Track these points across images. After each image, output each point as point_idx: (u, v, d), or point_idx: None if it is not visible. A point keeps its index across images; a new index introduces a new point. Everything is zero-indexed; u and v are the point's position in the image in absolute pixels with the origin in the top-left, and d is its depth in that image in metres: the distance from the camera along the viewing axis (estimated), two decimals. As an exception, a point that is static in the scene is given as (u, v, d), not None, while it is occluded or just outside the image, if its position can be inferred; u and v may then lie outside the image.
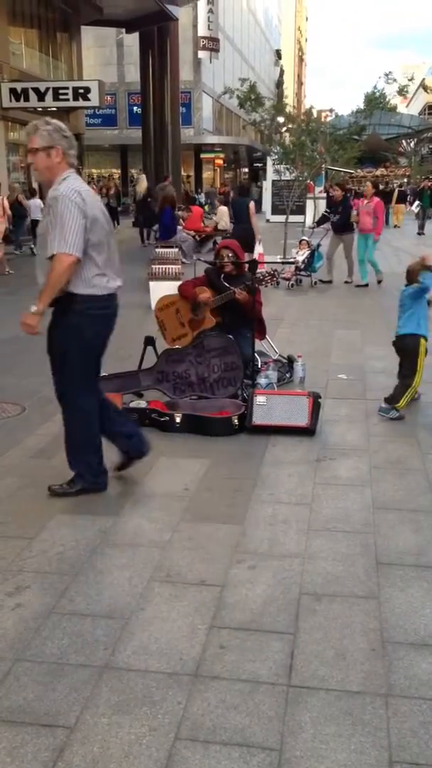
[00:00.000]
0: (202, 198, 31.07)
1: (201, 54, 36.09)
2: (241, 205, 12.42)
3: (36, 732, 2.25)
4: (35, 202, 17.26)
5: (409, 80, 22.55)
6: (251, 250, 11.45)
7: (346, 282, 12.39)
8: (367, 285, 11.90)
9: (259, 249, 12.46)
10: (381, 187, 30.59)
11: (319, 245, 12.47)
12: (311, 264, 12.31)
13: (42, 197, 16.46)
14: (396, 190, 28.88)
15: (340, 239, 12.51)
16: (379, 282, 12.04)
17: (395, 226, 27.75)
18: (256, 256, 12.82)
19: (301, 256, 12.36)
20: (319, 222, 13.36)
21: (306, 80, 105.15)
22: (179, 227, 13.58)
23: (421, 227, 23.09)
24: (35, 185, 18.60)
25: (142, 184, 18.06)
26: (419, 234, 22.59)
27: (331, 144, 18.84)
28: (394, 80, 19.07)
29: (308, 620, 2.81)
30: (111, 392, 5.34)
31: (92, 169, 35.02)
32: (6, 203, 14.73)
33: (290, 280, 12.04)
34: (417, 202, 24.26)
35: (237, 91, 16.63)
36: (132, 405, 5.22)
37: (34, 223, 15.81)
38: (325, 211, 13.45)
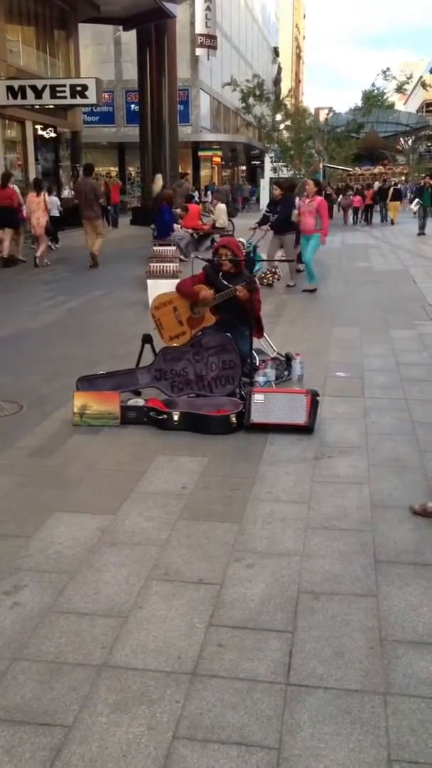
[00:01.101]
0: (207, 196, 30.92)
1: (199, 51, 36.01)
2: (288, 202, 13.17)
3: (34, 731, 2.25)
4: (53, 200, 17.32)
5: (408, 78, 22.59)
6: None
7: (288, 286, 11.46)
8: (315, 290, 11.03)
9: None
10: (379, 184, 30.62)
11: (255, 246, 11.26)
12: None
13: (59, 195, 16.58)
14: (391, 188, 28.79)
15: (280, 240, 11.80)
16: (312, 291, 11.05)
17: (392, 223, 27.76)
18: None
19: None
20: (260, 222, 12.24)
21: (304, 78, 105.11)
22: (176, 225, 13.57)
23: (422, 227, 22.14)
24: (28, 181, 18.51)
25: (158, 183, 18.16)
26: (420, 234, 21.72)
27: (329, 142, 18.87)
28: (393, 77, 19.10)
29: (306, 618, 2.81)
30: (108, 390, 5.35)
31: (90, 167, 34.95)
32: (47, 199, 15.07)
33: None
34: (417, 200, 23.53)
35: (243, 84, 16.65)
36: (130, 403, 5.22)
37: (53, 219, 15.99)
38: (266, 211, 12.60)
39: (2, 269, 14.20)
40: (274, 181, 15.35)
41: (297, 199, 13.09)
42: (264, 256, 11.31)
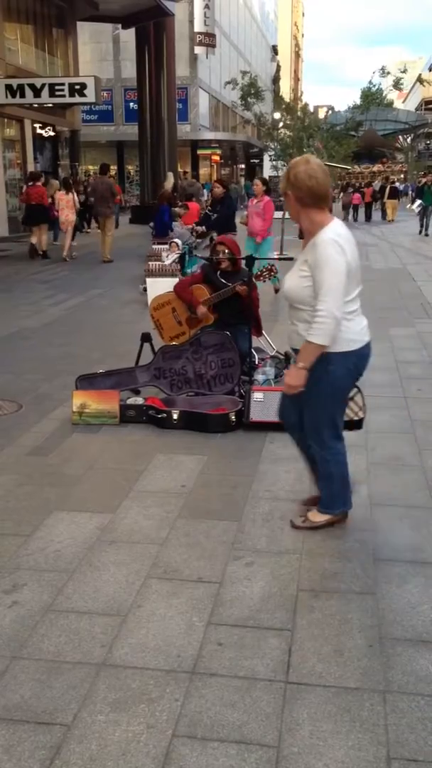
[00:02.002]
0: (203, 195, 30.90)
1: (197, 50, 35.98)
2: None
3: (33, 729, 2.25)
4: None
5: (402, 72, 22.52)
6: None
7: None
8: (276, 291, 10.18)
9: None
10: (380, 183, 30.63)
11: (191, 248, 10.90)
12: (182, 268, 10.43)
13: (78, 192, 16.73)
14: (388, 186, 28.76)
15: None
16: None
17: (390, 221, 27.74)
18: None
19: (169, 259, 10.57)
20: (202, 222, 11.68)
21: (302, 76, 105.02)
22: (175, 223, 13.53)
23: (426, 227, 21.22)
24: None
25: (170, 181, 18.30)
26: (425, 235, 20.86)
27: (328, 140, 18.85)
28: (389, 73, 19.08)
29: (306, 617, 2.81)
30: (108, 389, 5.35)
31: (89, 166, 34.91)
32: (76, 198, 15.83)
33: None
34: (418, 201, 23.16)
35: (239, 83, 16.64)
36: (129, 402, 5.22)
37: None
38: (207, 210, 12.03)
39: (2, 267, 14.25)
40: (216, 179, 14.83)
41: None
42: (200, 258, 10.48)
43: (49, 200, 15.71)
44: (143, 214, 22.00)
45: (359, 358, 3.42)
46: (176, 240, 11.27)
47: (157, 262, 9.96)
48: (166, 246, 10.90)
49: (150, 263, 10.01)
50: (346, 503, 3.52)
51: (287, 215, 14.87)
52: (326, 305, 3.05)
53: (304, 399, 3.29)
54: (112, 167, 37.46)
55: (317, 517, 3.52)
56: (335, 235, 3.11)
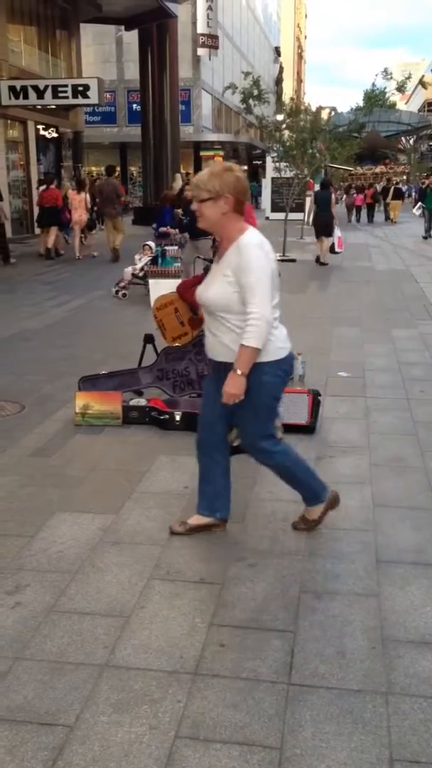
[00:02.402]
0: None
1: (200, 51, 36.02)
2: (324, 197, 14.82)
3: (36, 730, 2.25)
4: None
5: (407, 78, 22.52)
6: (331, 233, 14.28)
7: None
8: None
9: (338, 233, 14.52)
10: (384, 184, 30.62)
11: (164, 250, 10.86)
12: None
13: (91, 192, 16.85)
14: (392, 187, 28.77)
15: (195, 246, 10.42)
16: None
17: (393, 222, 27.74)
18: (336, 240, 14.40)
19: (141, 262, 10.76)
20: (177, 226, 11.49)
21: (305, 77, 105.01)
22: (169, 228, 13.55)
23: (427, 230, 20.81)
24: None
25: (178, 182, 18.41)
26: (427, 238, 20.62)
27: (330, 141, 18.84)
28: (391, 76, 19.08)
29: (308, 618, 2.81)
30: (110, 390, 5.36)
31: (92, 167, 34.96)
32: (88, 198, 16.19)
33: (120, 289, 10.54)
34: (419, 204, 23.01)
35: (241, 86, 16.61)
36: (132, 403, 5.22)
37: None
38: (180, 214, 11.77)
39: (3, 267, 14.27)
40: (185, 181, 14.82)
41: (334, 195, 13.62)
42: (179, 263, 10.64)
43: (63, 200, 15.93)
44: (146, 215, 22.01)
45: (288, 365, 3.36)
46: (149, 243, 11.26)
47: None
48: (175, 247, 10.91)
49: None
50: (325, 486, 3.51)
51: (289, 216, 14.91)
52: (258, 308, 3.01)
53: (238, 415, 3.26)
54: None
55: (313, 513, 3.51)
56: (258, 239, 3.10)
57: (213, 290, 3.15)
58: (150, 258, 10.81)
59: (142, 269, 10.71)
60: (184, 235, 11.13)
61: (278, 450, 3.37)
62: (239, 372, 3.07)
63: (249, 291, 3.02)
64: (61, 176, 22.52)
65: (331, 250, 14.63)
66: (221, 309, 3.13)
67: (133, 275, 10.73)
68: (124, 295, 10.55)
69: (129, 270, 10.77)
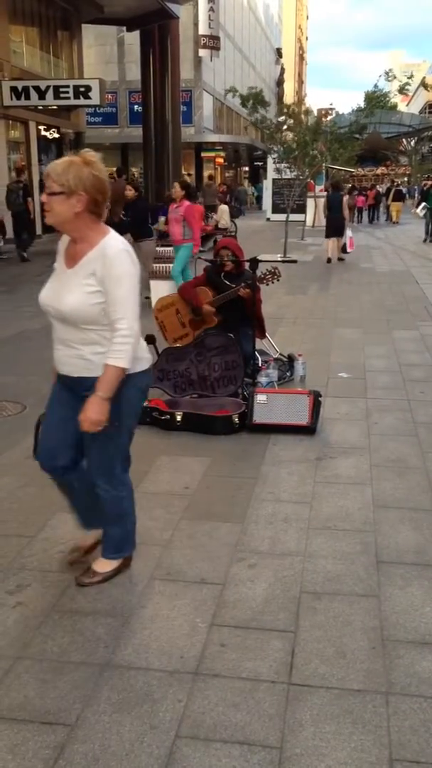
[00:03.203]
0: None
1: (202, 52, 36.01)
2: (336, 198, 15.39)
3: (37, 729, 2.26)
4: None
5: (409, 78, 22.53)
6: (342, 234, 14.93)
7: (146, 298, 10.16)
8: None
9: (349, 234, 15.09)
10: (387, 185, 30.65)
11: None
12: None
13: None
14: (393, 189, 28.78)
15: (138, 247, 9.72)
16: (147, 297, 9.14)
17: (395, 223, 27.74)
18: (347, 241, 14.97)
19: None
20: (119, 229, 11.20)
21: (306, 79, 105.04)
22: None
23: (429, 233, 20.40)
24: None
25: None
26: (429, 242, 20.15)
27: (332, 143, 18.84)
28: (394, 77, 19.09)
29: (309, 618, 2.81)
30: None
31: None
32: None
33: None
34: (423, 204, 22.90)
35: (241, 92, 16.66)
36: (133, 403, 5.22)
37: None
38: (122, 215, 11.44)
39: (7, 268, 14.28)
40: (127, 182, 13.93)
41: (346, 197, 14.05)
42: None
43: None
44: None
45: (149, 378, 3.00)
46: None
47: (162, 264, 9.97)
48: (172, 248, 10.88)
49: (154, 265, 10.03)
50: (134, 542, 3.14)
51: (290, 217, 14.95)
52: (129, 322, 2.71)
53: (89, 435, 2.80)
54: (112, 170, 37.63)
55: (106, 566, 3.10)
56: (124, 244, 2.78)
57: (71, 300, 2.72)
58: None
59: None
60: (126, 236, 10.99)
61: (126, 480, 3.04)
62: (101, 395, 2.69)
63: (119, 304, 2.70)
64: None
65: (343, 249, 15.19)
66: (83, 321, 2.74)
67: None
68: None
69: None
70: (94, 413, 2.69)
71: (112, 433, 2.83)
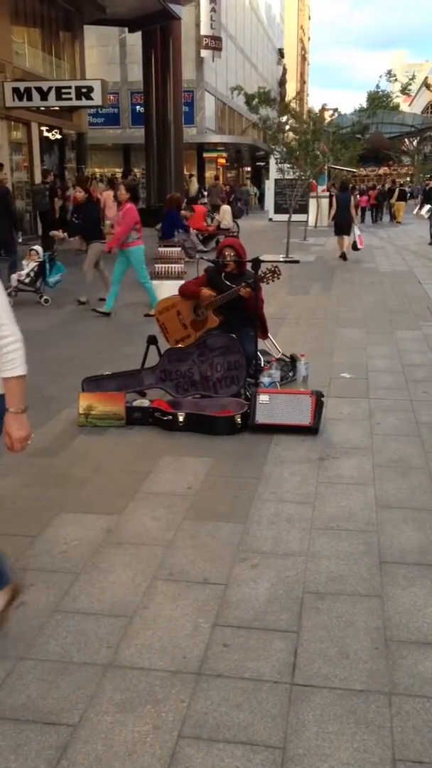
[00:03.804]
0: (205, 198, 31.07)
1: (204, 53, 36.00)
2: (344, 198, 15.87)
3: (40, 730, 2.26)
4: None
5: (411, 79, 22.51)
6: (350, 232, 15.45)
7: (79, 302, 10.22)
8: (108, 314, 9.17)
9: (357, 232, 15.75)
10: (387, 185, 30.63)
11: (53, 256, 10.51)
12: (44, 278, 10.33)
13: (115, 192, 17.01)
14: (396, 188, 28.75)
15: (88, 249, 10.26)
16: (105, 314, 9.25)
17: (397, 223, 27.71)
18: (356, 238, 15.48)
19: (27, 267, 10.24)
20: (69, 231, 11.11)
21: (308, 79, 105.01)
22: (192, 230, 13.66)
23: None
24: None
25: (194, 185, 18.57)
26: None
27: (334, 143, 18.84)
28: (395, 78, 19.08)
29: (311, 619, 2.81)
30: (114, 391, 5.37)
31: (95, 169, 34.98)
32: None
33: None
34: (428, 206, 22.69)
35: (246, 90, 16.71)
36: (135, 404, 5.23)
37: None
38: (73, 217, 11.46)
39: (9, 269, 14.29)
40: (74, 183, 14.49)
41: (355, 197, 14.41)
42: (63, 267, 10.57)
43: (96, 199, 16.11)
44: (149, 217, 22.02)
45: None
46: (36, 247, 10.63)
47: (164, 265, 9.99)
48: (178, 249, 10.92)
49: (156, 266, 10.05)
50: (8, 574, 2.78)
51: (293, 217, 15.03)
52: (10, 328, 2.61)
53: None
54: (117, 170, 37.75)
55: None
56: None
57: None
58: (36, 264, 10.22)
59: (28, 275, 10.18)
60: (77, 237, 10.67)
61: None
62: (14, 410, 2.56)
63: None
64: (64, 177, 22.56)
65: (354, 247, 15.67)
66: None
67: (19, 281, 10.12)
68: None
69: (15, 276, 10.14)
70: (18, 431, 2.54)
71: None
